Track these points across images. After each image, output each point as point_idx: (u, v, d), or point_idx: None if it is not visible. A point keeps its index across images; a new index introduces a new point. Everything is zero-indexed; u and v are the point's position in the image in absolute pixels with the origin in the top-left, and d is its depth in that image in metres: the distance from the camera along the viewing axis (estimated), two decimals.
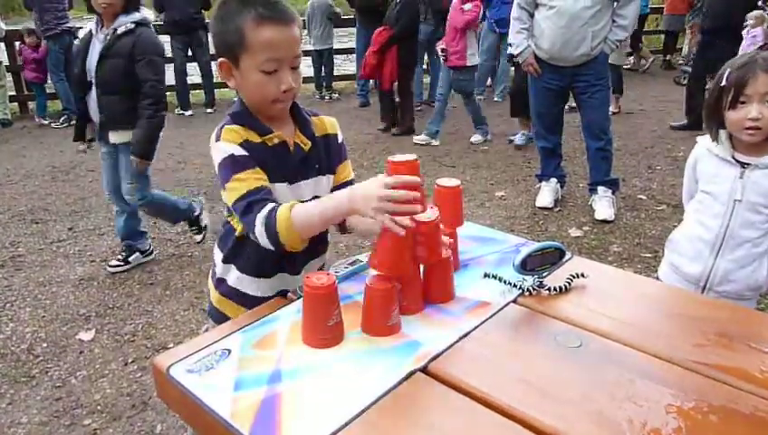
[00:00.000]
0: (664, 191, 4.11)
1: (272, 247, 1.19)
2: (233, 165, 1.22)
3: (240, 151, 1.23)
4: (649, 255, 3.13)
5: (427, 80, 7.30)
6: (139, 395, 2.16)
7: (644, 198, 4.01)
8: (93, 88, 2.79)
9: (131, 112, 2.78)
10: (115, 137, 2.85)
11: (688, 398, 0.94)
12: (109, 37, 2.71)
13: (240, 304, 1.38)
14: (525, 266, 1.23)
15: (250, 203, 1.20)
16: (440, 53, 5.36)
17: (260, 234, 1.18)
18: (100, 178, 4.73)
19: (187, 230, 3.58)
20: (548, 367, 1.02)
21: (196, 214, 3.31)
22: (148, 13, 2.89)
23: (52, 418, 2.06)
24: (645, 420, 0.88)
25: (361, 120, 6.64)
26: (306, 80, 8.26)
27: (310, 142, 1.32)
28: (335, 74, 8.14)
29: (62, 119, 6.69)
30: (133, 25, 2.72)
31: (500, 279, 1.28)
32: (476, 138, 5.58)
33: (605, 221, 3.58)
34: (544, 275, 1.28)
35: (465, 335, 1.11)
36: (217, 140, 1.25)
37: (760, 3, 6.44)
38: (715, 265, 1.66)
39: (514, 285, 1.27)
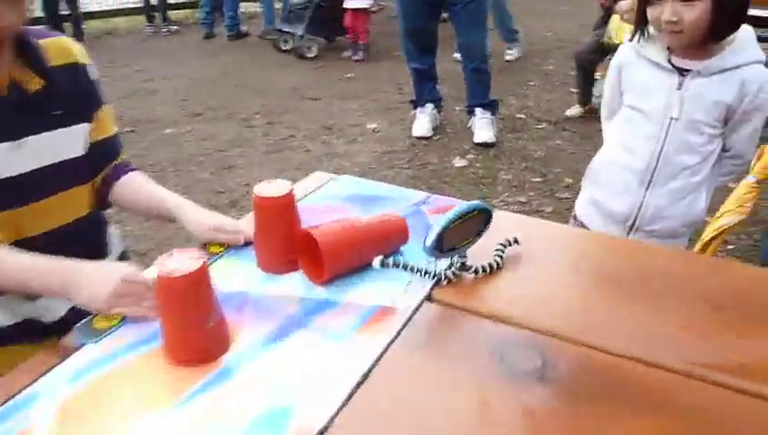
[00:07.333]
0: (540, 108, 3.90)
1: None
2: None
3: None
4: (539, 179, 2.89)
5: None
6: None
7: (523, 116, 3.77)
8: None
9: None
10: None
11: None
12: None
13: None
14: (442, 247, 0.80)
15: None
16: None
17: None
18: None
19: None
20: (502, 419, 0.61)
21: None
22: None
23: None
24: None
25: (206, 53, 5.78)
26: (133, 11, 7.14)
27: (42, 80, 0.86)
28: (170, 1, 7.04)
29: None
30: None
31: (404, 266, 0.85)
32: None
33: (486, 144, 3.28)
34: (466, 250, 0.87)
35: (360, 385, 0.67)
36: None
37: None
38: (646, 199, 1.35)
39: (426, 272, 0.84)
